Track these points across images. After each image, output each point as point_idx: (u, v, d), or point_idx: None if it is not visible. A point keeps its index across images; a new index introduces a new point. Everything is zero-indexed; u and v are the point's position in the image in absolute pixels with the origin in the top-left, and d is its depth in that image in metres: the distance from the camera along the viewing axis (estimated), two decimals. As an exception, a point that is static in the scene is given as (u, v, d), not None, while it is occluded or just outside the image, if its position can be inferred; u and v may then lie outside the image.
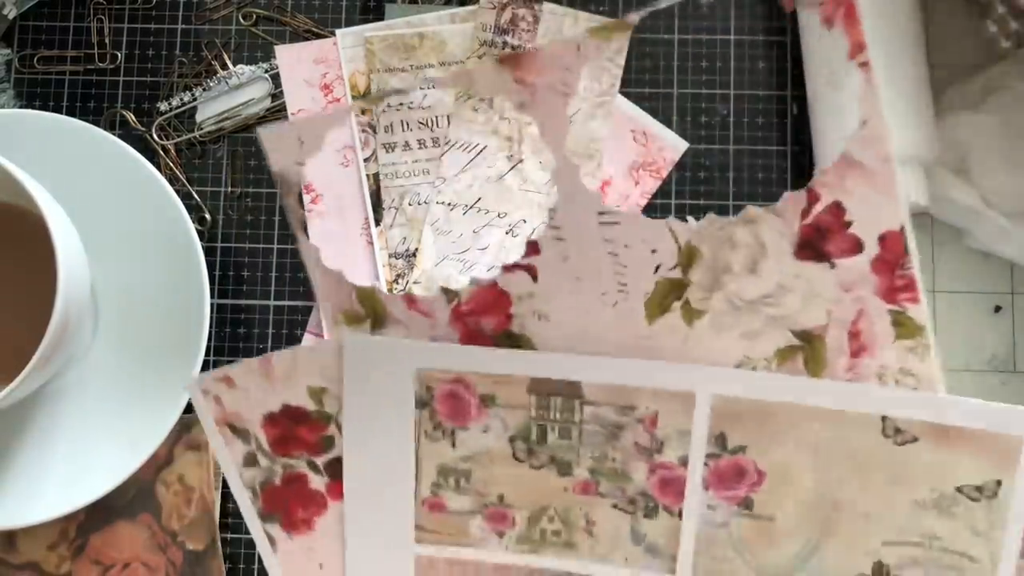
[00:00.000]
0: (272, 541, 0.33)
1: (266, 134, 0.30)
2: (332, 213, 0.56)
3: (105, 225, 0.52)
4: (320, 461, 0.32)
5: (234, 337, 0.56)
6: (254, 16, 0.58)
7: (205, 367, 0.55)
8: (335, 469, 0.32)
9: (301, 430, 0.32)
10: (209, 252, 0.56)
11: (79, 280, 0.47)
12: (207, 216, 0.57)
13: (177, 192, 0.53)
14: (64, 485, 0.52)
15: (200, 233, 0.54)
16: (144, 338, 0.53)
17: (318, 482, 0.32)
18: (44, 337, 0.44)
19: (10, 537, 0.54)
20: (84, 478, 0.52)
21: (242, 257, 0.57)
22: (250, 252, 0.57)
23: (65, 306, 0.45)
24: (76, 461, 0.53)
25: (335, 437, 0.32)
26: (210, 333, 0.52)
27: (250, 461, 0.33)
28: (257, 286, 0.57)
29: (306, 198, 0.56)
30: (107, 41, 0.58)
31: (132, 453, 0.52)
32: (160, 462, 0.54)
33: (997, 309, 0.57)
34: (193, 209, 0.56)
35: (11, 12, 0.58)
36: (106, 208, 0.53)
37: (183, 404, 0.52)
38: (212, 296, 0.53)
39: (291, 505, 0.33)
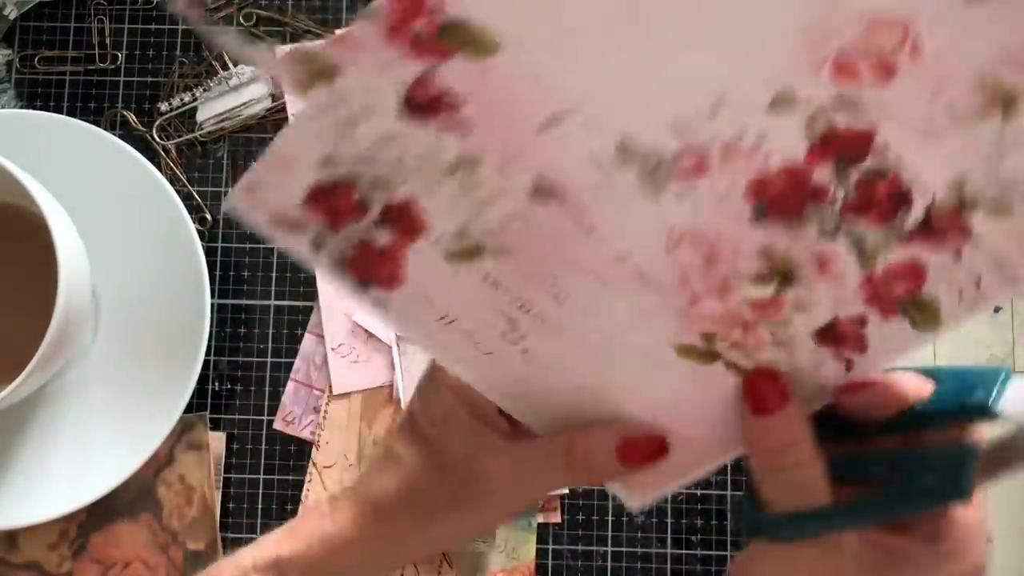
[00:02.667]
0: (383, 303, 0.33)
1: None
2: (332, 213, 0.56)
3: (105, 225, 0.52)
4: (369, 220, 0.32)
5: (234, 337, 0.56)
6: (254, 16, 0.58)
7: (205, 367, 0.55)
8: (390, 218, 0.32)
9: (337, 201, 0.32)
10: (209, 252, 0.56)
11: (79, 280, 0.47)
12: (207, 216, 0.57)
13: (177, 192, 0.53)
14: (65, 485, 0.52)
15: (200, 233, 0.54)
16: (144, 338, 0.53)
17: (384, 238, 0.32)
18: (44, 337, 0.44)
19: (11, 537, 0.54)
20: (85, 478, 0.52)
21: (242, 257, 0.57)
22: (250, 252, 0.57)
23: (65, 306, 0.45)
24: (77, 461, 0.53)
25: (370, 194, 0.31)
26: (210, 333, 0.53)
27: (317, 245, 0.32)
28: (257, 286, 0.57)
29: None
30: (107, 41, 0.58)
31: (132, 453, 0.52)
32: (161, 462, 0.54)
33: (997, 309, 0.57)
34: (193, 209, 0.56)
35: (12, 12, 0.58)
36: (106, 208, 0.53)
37: (183, 404, 0.52)
38: (212, 296, 0.54)
39: (375, 267, 0.32)
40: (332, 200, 0.32)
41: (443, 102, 0.29)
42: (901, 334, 0.30)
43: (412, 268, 0.32)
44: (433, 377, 0.35)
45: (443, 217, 0.31)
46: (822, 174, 0.29)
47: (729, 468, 0.55)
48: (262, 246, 0.57)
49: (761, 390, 0.32)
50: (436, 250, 0.32)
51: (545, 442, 0.34)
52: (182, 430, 0.54)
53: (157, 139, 0.57)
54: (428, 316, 0.33)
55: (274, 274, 0.57)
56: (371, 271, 0.32)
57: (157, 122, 0.57)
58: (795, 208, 0.29)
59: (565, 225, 0.31)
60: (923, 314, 0.30)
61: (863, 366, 0.31)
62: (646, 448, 0.33)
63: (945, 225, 0.29)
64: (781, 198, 0.29)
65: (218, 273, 0.57)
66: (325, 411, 0.55)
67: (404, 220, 0.32)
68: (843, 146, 0.28)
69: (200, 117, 0.57)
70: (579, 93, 0.29)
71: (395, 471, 0.35)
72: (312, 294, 0.56)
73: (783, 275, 0.30)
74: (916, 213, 0.29)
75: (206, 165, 0.58)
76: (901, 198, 0.29)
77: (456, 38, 0.28)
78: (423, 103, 0.29)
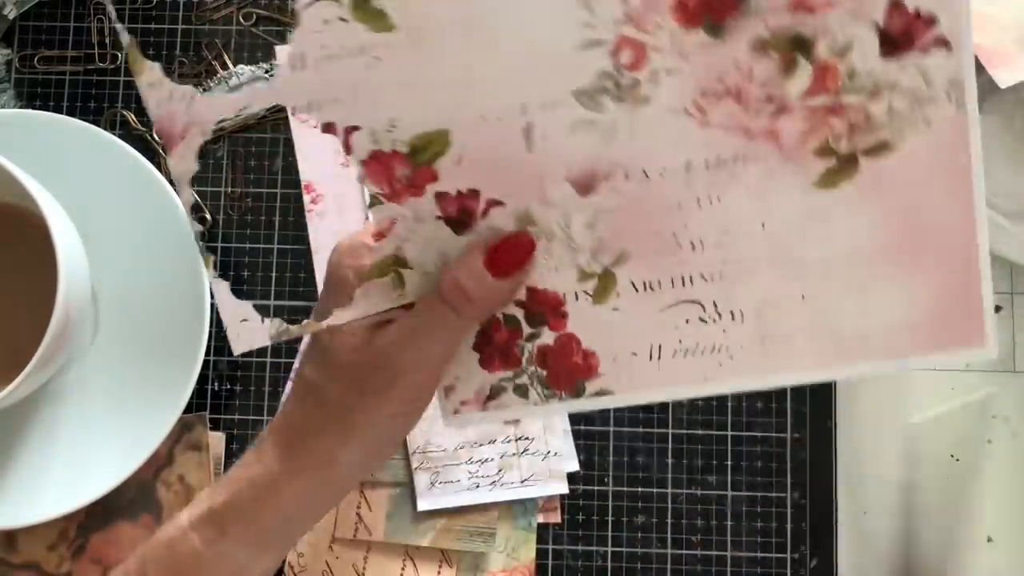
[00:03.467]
0: (605, 391, 0.35)
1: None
2: (332, 213, 0.56)
3: (105, 225, 0.52)
4: (525, 337, 0.35)
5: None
6: (254, 16, 0.58)
7: (205, 367, 0.55)
8: (534, 319, 0.35)
9: (496, 340, 0.35)
10: (209, 252, 0.56)
11: (79, 280, 0.47)
12: (207, 216, 0.57)
13: (177, 192, 0.53)
14: (64, 485, 0.52)
15: (200, 233, 0.54)
16: (144, 338, 0.53)
17: (549, 337, 0.35)
18: (44, 337, 0.44)
19: (10, 537, 0.54)
20: (84, 478, 0.52)
21: (242, 257, 0.57)
22: (250, 252, 0.57)
23: (65, 306, 0.45)
24: (76, 461, 0.53)
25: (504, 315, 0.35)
26: (210, 333, 0.53)
27: (520, 389, 0.36)
28: (257, 286, 0.57)
29: (306, 198, 0.56)
30: (107, 41, 0.58)
31: (132, 453, 0.52)
32: (160, 462, 0.54)
33: (997, 309, 0.57)
34: (193, 209, 0.56)
35: (11, 12, 0.58)
36: (106, 208, 0.53)
37: (183, 404, 0.52)
38: (213, 296, 0.53)
39: (572, 368, 0.35)
40: (494, 346, 0.35)
41: (466, 206, 0.32)
42: None
43: (584, 334, 0.34)
44: (336, 292, 0.36)
45: (564, 278, 0.34)
46: None
47: (729, 468, 0.55)
48: (262, 246, 0.57)
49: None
50: (584, 303, 0.34)
51: (424, 297, 0.34)
52: (182, 430, 0.54)
53: (157, 139, 0.57)
54: (647, 366, 0.34)
55: (274, 274, 0.57)
56: (572, 374, 0.35)
57: (157, 122, 0.57)
58: None
59: (638, 191, 0.32)
60: None
61: (940, 28, 0.30)
62: (512, 247, 0.33)
63: None
64: (707, 4, 0.30)
65: (218, 273, 0.57)
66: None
67: (546, 309, 0.34)
68: None
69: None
70: (519, 89, 0.31)
71: (305, 393, 0.35)
72: (312, 294, 0.56)
73: (797, 44, 0.30)
74: None
75: (206, 165, 0.57)
76: None
77: (424, 154, 0.32)
78: (455, 216, 0.33)
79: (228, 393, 0.56)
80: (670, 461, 0.55)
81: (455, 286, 0.33)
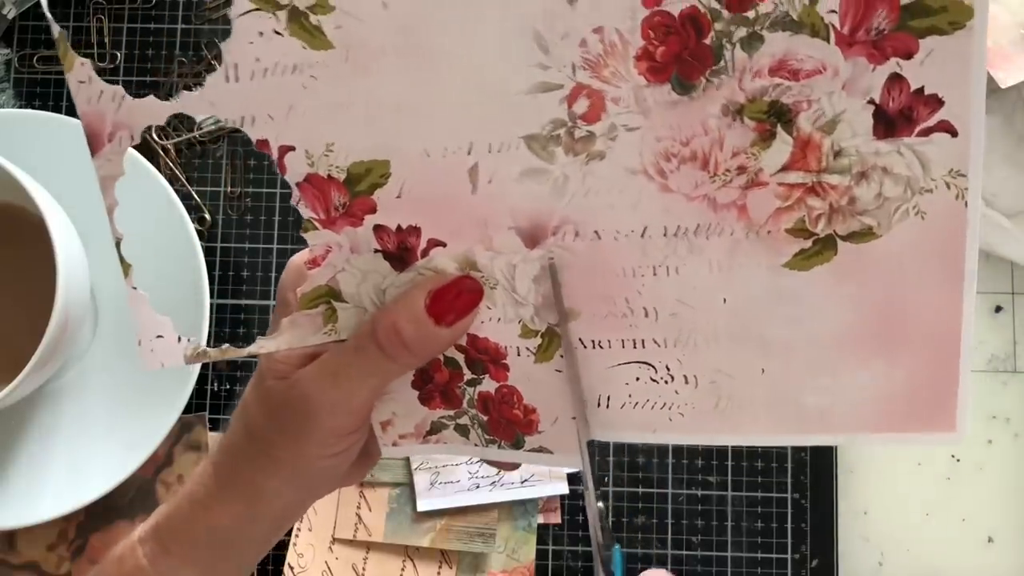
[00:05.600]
0: (542, 443, 0.33)
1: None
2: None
3: (105, 225, 0.52)
4: (466, 379, 0.33)
5: (234, 337, 0.56)
6: (254, 16, 0.58)
7: (205, 367, 0.55)
8: (476, 365, 0.33)
9: (435, 378, 0.34)
10: (209, 252, 0.56)
11: (79, 280, 0.47)
12: (207, 216, 0.57)
13: (177, 192, 0.53)
14: (64, 485, 0.52)
15: (200, 233, 0.54)
16: (144, 338, 0.53)
17: (489, 384, 0.33)
18: (44, 337, 0.44)
19: (10, 537, 0.54)
20: (84, 478, 0.52)
21: (242, 257, 0.57)
22: (250, 252, 0.57)
23: (65, 306, 0.45)
24: (76, 461, 0.53)
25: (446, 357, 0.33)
26: (210, 333, 0.52)
27: (462, 429, 0.34)
28: (257, 286, 0.57)
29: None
30: (107, 41, 0.58)
31: (131, 453, 0.52)
32: (160, 462, 0.54)
33: (998, 309, 0.57)
34: (193, 209, 0.56)
35: (10, 12, 0.58)
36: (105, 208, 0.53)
37: (183, 404, 0.52)
38: (212, 296, 0.53)
39: (512, 421, 0.33)
40: (435, 385, 0.33)
41: (406, 242, 0.30)
42: (935, 48, 0.25)
43: (525, 389, 0.32)
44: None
45: (506, 330, 0.31)
46: (675, 5, 0.26)
47: (729, 468, 0.55)
48: (261, 246, 0.57)
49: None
50: (526, 358, 0.32)
51: (353, 333, 0.31)
52: (181, 430, 0.54)
53: (156, 139, 0.57)
54: (594, 413, 0.32)
55: (273, 274, 0.57)
56: (512, 425, 0.33)
57: (156, 122, 0.57)
58: (698, 54, 0.26)
59: (589, 251, 0.30)
60: (924, 9, 0.25)
61: (945, 112, 0.26)
62: (457, 293, 0.30)
63: None
64: (678, 58, 0.26)
65: (217, 273, 0.57)
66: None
67: (487, 359, 0.32)
68: None
69: (199, 117, 0.57)
70: (457, 129, 0.28)
71: (240, 418, 0.34)
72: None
73: (776, 113, 0.27)
74: None
75: (205, 165, 0.57)
76: None
77: (362, 183, 0.29)
78: (394, 252, 0.30)
79: (228, 393, 0.56)
80: (670, 461, 0.55)
81: (391, 329, 0.30)
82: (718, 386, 0.31)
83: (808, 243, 0.28)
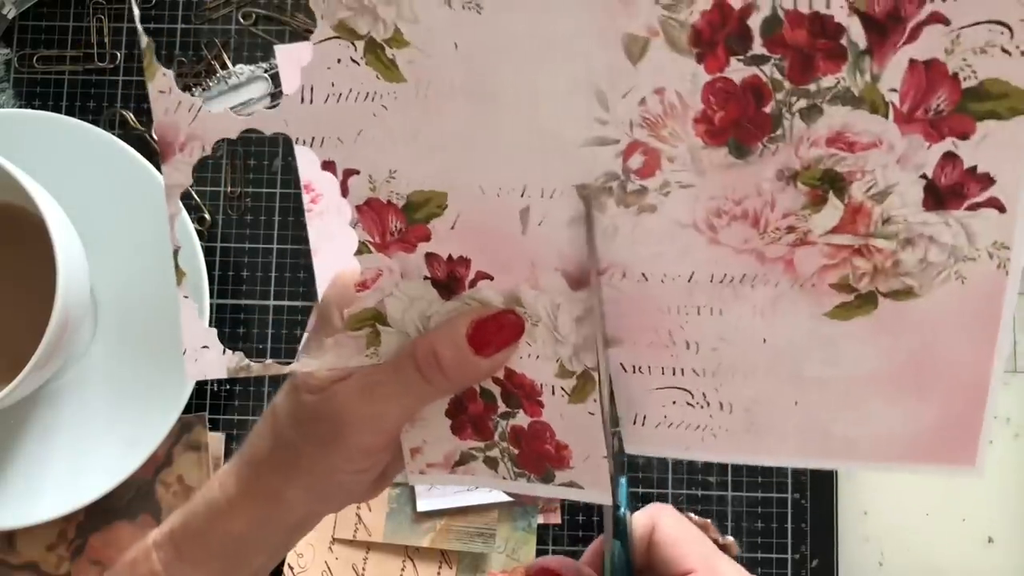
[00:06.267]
0: (573, 481, 0.34)
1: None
2: (332, 213, 0.56)
3: (105, 225, 0.52)
4: (499, 412, 0.34)
5: (234, 337, 0.56)
6: (254, 16, 0.58)
7: (205, 367, 0.55)
8: (511, 396, 0.33)
9: (471, 409, 0.34)
10: (209, 252, 0.56)
11: (79, 280, 0.47)
12: (207, 216, 0.57)
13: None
14: (63, 485, 0.52)
15: (200, 233, 0.54)
16: (144, 338, 0.53)
17: (521, 418, 0.33)
18: (44, 337, 0.44)
19: (10, 538, 0.54)
20: (83, 478, 0.52)
21: (242, 257, 0.57)
22: (250, 252, 0.57)
23: (65, 306, 0.45)
24: (76, 461, 0.53)
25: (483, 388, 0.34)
26: (210, 333, 0.52)
27: (491, 461, 0.35)
28: (257, 286, 0.57)
29: (305, 198, 0.56)
30: (106, 41, 0.58)
31: (131, 453, 0.52)
32: (159, 462, 0.54)
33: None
34: (193, 209, 0.56)
35: (10, 12, 0.58)
36: (106, 208, 0.53)
37: (183, 404, 0.52)
38: (212, 296, 0.53)
39: (542, 456, 0.34)
40: (468, 415, 0.33)
41: (456, 272, 0.31)
42: (992, 131, 0.26)
43: (558, 427, 0.32)
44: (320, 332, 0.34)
45: (543, 368, 0.32)
46: (738, 72, 0.26)
47: (730, 468, 0.55)
48: (261, 246, 0.57)
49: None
50: (560, 398, 0.32)
51: (394, 356, 0.32)
52: (181, 430, 0.54)
53: (155, 139, 0.57)
54: (629, 431, 0.33)
55: (273, 274, 0.57)
56: (543, 459, 0.33)
57: (156, 122, 0.57)
58: (757, 121, 0.27)
59: (635, 290, 0.30)
60: (984, 94, 0.26)
61: (995, 189, 0.27)
62: (499, 326, 0.31)
63: (879, 8, 0.25)
64: (736, 124, 0.27)
65: (217, 273, 0.57)
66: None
67: (522, 394, 0.33)
68: (714, 31, 0.26)
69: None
70: (517, 177, 0.29)
71: (268, 426, 0.34)
72: (311, 294, 0.56)
73: (829, 180, 0.27)
74: (848, 23, 0.25)
75: (205, 165, 0.57)
76: (822, 23, 0.25)
77: (420, 212, 0.30)
78: (443, 280, 0.31)
79: (227, 393, 0.56)
80: (670, 461, 0.55)
81: (431, 352, 0.31)
82: (752, 413, 0.32)
83: (850, 297, 0.29)
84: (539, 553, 0.54)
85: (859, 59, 0.26)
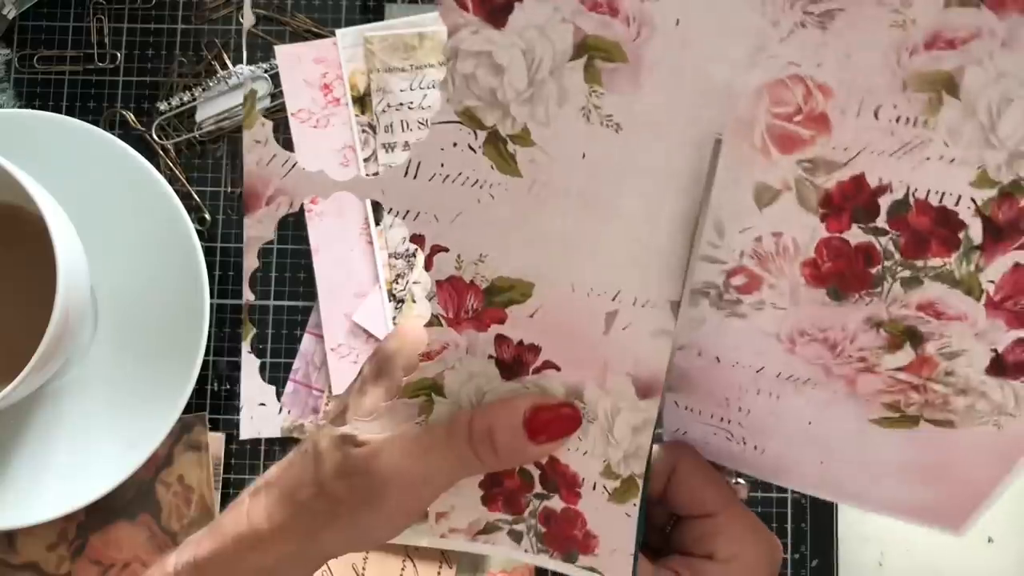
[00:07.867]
0: (595, 566, 0.35)
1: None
2: (332, 213, 0.56)
3: (105, 225, 0.52)
4: (534, 491, 0.35)
5: (234, 337, 0.56)
6: (254, 16, 0.58)
7: (204, 367, 0.55)
8: (548, 480, 0.35)
9: (505, 484, 0.35)
10: (209, 252, 0.56)
11: (79, 280, 0.47)
12: (207, 216, 0.57)
13: (177, 192, 0.53)
14: (64, 485, 0.52)
15: (200, 233, 0.54)
16: (144, 338, 0.53)
17: (556, 502, 0.34)
18: (44, 337, 0.44)
19: (10, 537, 0.54)
20: (84, 478, 0.52)
21: (241, 257, 0.57)
22: (250, 252, 0.57)
23: (65, 306, 0.45)
24: (76, 461, 0.53)
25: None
26: (210, 333, 0.52)
27: (516, 535, 0.36)
28: (257, 286, 0.57)
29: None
30: (107, 41, 0.58)
31: (132, 453, 0.52)
32: (160, 462, 0.54)
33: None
34: (193, 209, 0.56)
35: (11, 12, 0.58)
36: (106, 208, 0.53)
37: (183, 404, 0.52)
38: (212, 296, 0.53)
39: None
40: (502, 489, 0.34)
41: (523, 357, 0.31)
42: None
43: (592, 519, 0.33)
44: (369, 380, 0.34)
45: (590, 464, 0.32)
46: (856, 237, 0.28)
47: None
48: (262, 246, 0.57)
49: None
50: (601, 494, 0.33)
51: (447, 422, 0.32)
52: (181, 430, 0.54)
53: (156, 139, 0.57)
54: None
55: (273, 274, 0.57)
56: (569, 543, 0.34)
57: (156, 122, 0.57)
58: (861, 277, 0.29)
59: (706, 367, 0.32)
60: None
61: None
62: (557, 417, 0.31)
63: (1003, 216, 0.27)
64: (840, 276, 0.29)
65: (217, 273, 0.57)
66: (324, 411, 0.55)
67: (562, 482, 0.33)
68: (845, 200, 0.28)
69: (199, 117, 0.57)
70: (612, 283, 0.29)
71: (310, 464, 0.34)
72: (311, 294, 0.56)
73: (909, 334, 0.30)
74: (970, 222, 0.27)
75: (205, 165, 0.57)
76: (946, 216, 0.27)
77: (501, 296, 0.30)
78: (508, 362, 0.31)
79: (228, 393, 0.56)
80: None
81: (487, 431, 0.31)
82: (781, 460, 0.35)
83: (896, 415, 0.32)
84: (539, 553, 0.54)
85: (970, 252, 0.28)
